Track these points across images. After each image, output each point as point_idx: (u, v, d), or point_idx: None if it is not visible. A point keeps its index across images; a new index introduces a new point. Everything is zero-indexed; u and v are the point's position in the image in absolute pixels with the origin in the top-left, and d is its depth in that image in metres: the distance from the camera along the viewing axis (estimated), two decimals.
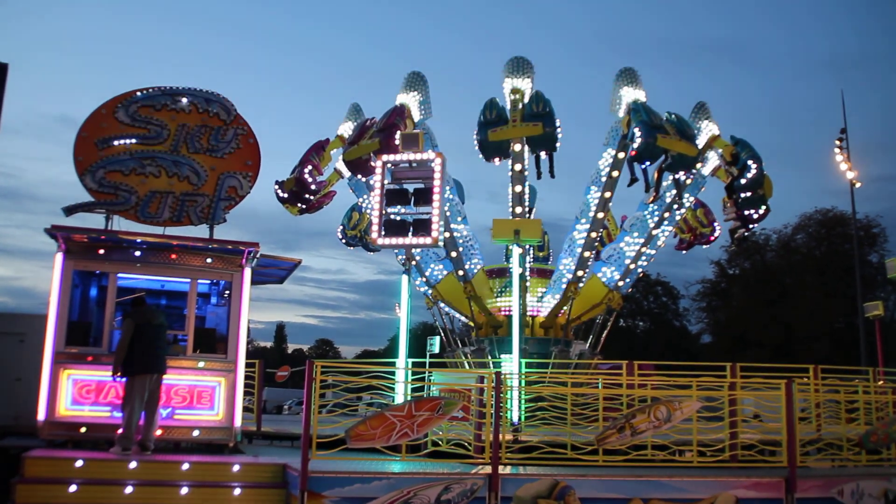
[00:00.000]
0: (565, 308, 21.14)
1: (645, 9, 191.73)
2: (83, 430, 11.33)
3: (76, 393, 11.43)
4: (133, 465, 9.97)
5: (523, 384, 15.78)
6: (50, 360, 11.38)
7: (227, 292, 12.87)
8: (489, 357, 20.66)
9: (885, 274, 21.73)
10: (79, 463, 9.83)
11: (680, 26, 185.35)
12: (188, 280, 12.47)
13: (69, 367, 11.46)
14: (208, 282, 13.30)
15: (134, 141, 12.74)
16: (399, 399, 12.73)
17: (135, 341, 11.04)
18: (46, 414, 11.21)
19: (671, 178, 19.71)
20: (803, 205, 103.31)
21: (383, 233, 13.84)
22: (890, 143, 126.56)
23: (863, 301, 28.73)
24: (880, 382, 17.25)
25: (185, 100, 13.08)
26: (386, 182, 14.15)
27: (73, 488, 9.56)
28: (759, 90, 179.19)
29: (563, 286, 20.93)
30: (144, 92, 13.03)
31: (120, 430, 10.84)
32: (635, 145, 17.60)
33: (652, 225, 21.18)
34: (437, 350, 26.09)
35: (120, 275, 12.21)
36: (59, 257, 11.74)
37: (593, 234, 20.69)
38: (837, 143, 31.01)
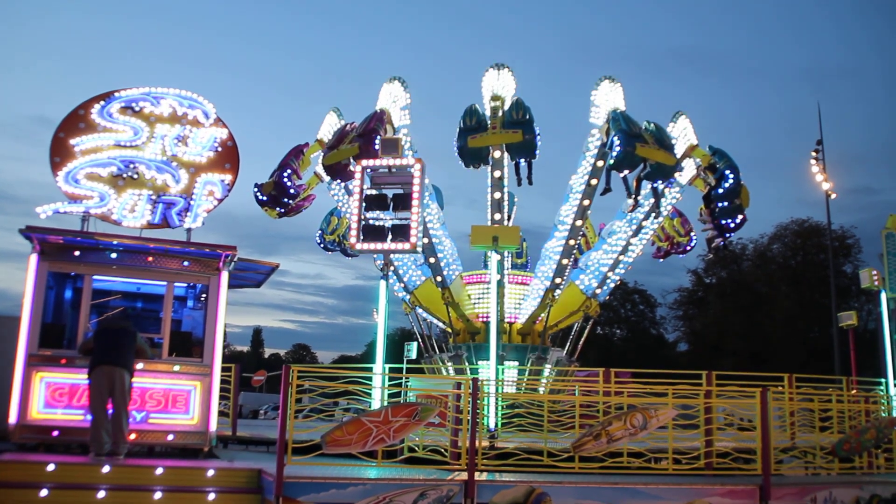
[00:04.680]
0: (543, 315, 21.19)
1: (620, 18, 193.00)
2: (56, 433, 11.21)
3: (49, 396, 11.30)
4: (106, 469, 9.85)
5: (500, 390, 15.78)
6: (23, 362, 11.24)
7: (204, 296, 12.80)
8: (466, 363, 20.66)
9: (859, 284, 21.95)
10: (50, 467, 9.68)
11: (654, 36, 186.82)
12: (165, 283, 12.40)
13: (42, 370, 11.33)
14: (185, 285, 13.19)
15: (112, 142, 12.66)
16: (376, 404, 12.69)
17: (95, 343, 11.00)
18: (18, 417, 11.08)
19: (649, 186, 19.83)
20: (779, 215, 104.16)
21: (362, 238, 13.82)
22: (867, 155, 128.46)
23: (837, 311, 29.04)
24: (853, 391, 17.42)
25: (164, 101, 13.01)
26: (365, 187, 14.13)
27: (44, 492, 9.42)
28: (736, 100, 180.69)
29: (541, 293, 20.98)
30: (123, 93, 12.95)
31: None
32: (614, 154, 17.69)
33: (630, 233, 21.30)
34: (414, 356, 26.06)
35: (95, 277, 12.11)
36: (34, 258, 11.62)
37: (571, 242, 20.76)
38: (813, 154, 31.39)
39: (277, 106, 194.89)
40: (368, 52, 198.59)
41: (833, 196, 31.82)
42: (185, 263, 12.33)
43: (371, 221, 13.87)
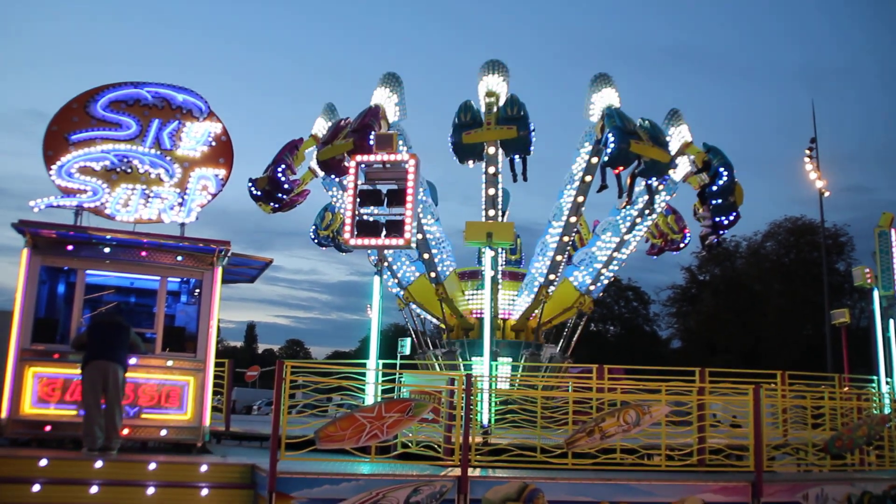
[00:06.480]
0: (536, 311, 21.20)
1: (613, 16, 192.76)
2: (48, 428, 11.17)
3: (41, 391, 11.26)
4: (99, 464, 9.84)
5: (494, 386, 15.78)
6: (15, 357, 11.20)
7: (198, 291, 12.77)
8: (460, 359, 20.67)
9: (851, 282, 22.08)
10: (43, 462, 9.68)
11: (648, 34, 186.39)
12: (158, 278, 12.35)
13: (35, 365, 11.29)
14: (179, 280, 13.16)
15: (105, 136, 12.60)
16: (369, 400, 12.69)
17: (89, 337, 10.97)
18: (10, 412, 11.04)
19: (643, 183, 19.85)
20: (773, 213, 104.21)
21: (356, 233, 13.80)
22: (860, 154, 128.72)
23: (830, 308, 29.13)
24: (845, 389, 17.47)
25: (158, 95, 12.95)
26: (359, 182, 14.11)
27: (36, 488, 9.41)
28: (730, 99, 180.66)
29: (535, 289, 20.99)
30: (117, 86, 12.88)
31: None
32: (609, 150, 17.70)
33: (624, 230, 21.31)
34: (407, 352, 26.03)
35: (88, 271, 12.07)
36: (27, 253, 11.56)
37: (565, 238, 20.78)
38: (807, 152, 31.47)
39: (269, 108, 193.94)
40: (360, 53, 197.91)
41: (826, 194, 31.97)
42: (179, 258, 12.29)
43: (365, 217, 13.86)
